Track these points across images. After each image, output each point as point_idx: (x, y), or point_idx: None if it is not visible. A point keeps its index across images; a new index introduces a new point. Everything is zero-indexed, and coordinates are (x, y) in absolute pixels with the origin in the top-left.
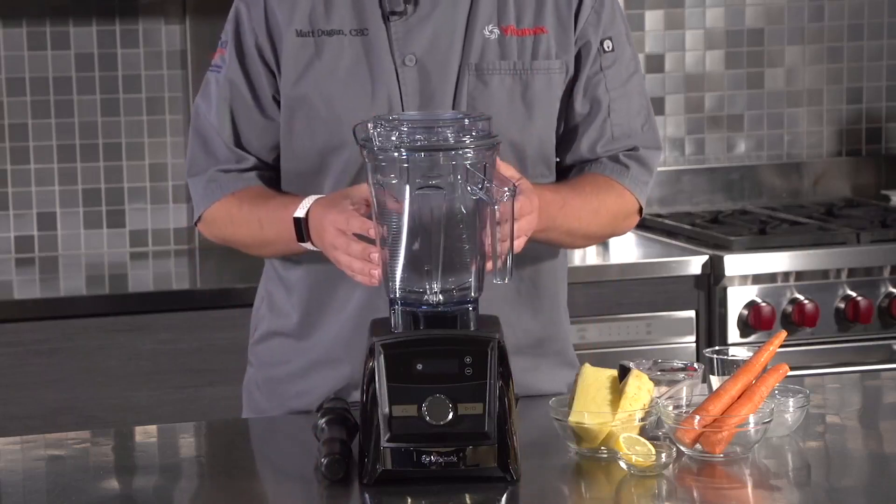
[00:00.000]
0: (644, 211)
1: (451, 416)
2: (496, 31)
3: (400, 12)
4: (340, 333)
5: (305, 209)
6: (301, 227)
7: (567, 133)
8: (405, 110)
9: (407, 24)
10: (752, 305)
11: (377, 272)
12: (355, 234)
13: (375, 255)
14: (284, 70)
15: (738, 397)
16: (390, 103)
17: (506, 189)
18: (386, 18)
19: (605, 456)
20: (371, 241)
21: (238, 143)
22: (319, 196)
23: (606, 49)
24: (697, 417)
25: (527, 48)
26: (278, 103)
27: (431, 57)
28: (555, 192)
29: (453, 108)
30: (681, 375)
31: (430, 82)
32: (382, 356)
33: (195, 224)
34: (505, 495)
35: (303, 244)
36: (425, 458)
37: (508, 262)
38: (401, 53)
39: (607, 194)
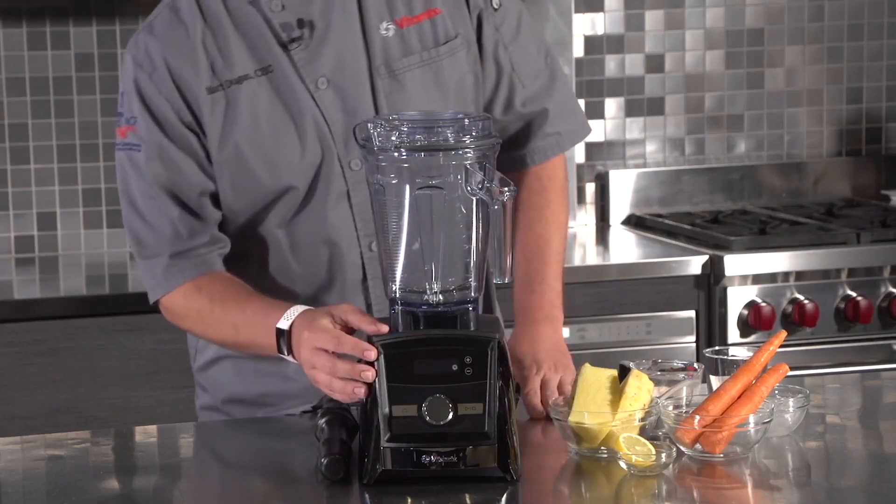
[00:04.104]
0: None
1: (451, 416)
2: (392, 27)
3: (297, 38)
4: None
5: (290, 321)
6: (282, 339)
7: (487, 98)
8: (333, 132)
9: (307, 49)
10: (752, 305)
11: (362, 391)
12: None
13: (370, 374)
14: (209, 131)
15: (738, 397)
16: (318, 131)
17: (506, 189)
18: (285, 48)
19: (605, 456)
20: (362, 360)
21: (185, 217)
22: (305, 309)
23: (496, 7)
24: (697, 417)
25: (426, 35)
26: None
27: (341, 73)
28: (555, 293)
29: (376, 114)
30: (681, 375)
31: (348, 99)
32: (382, 356)
33: (153, 304)
34: (505, 495)
35: (282, 355)
36: (425, 458)
37: (508, 262)
38: (311, 79)
39: (547, 207)
